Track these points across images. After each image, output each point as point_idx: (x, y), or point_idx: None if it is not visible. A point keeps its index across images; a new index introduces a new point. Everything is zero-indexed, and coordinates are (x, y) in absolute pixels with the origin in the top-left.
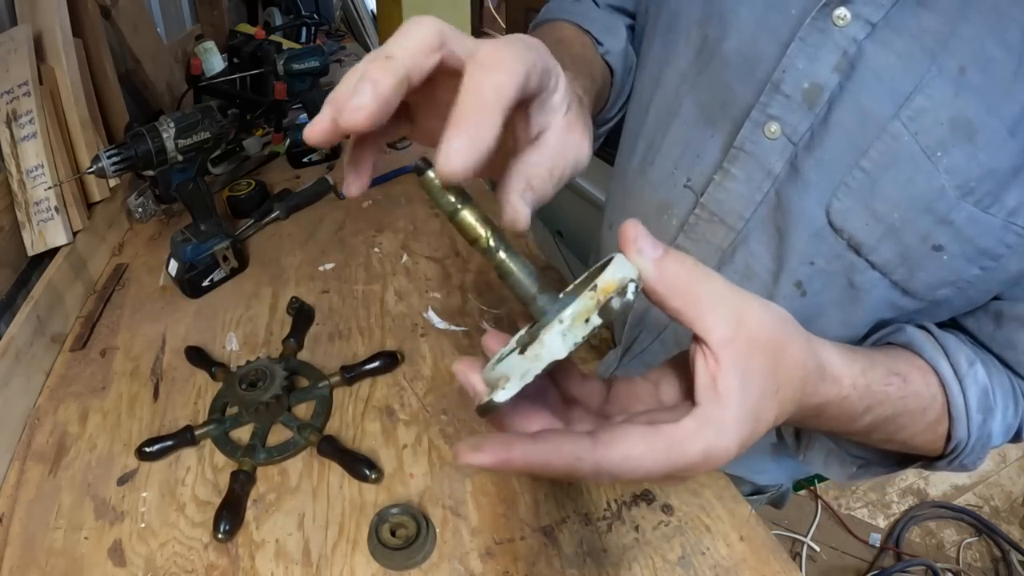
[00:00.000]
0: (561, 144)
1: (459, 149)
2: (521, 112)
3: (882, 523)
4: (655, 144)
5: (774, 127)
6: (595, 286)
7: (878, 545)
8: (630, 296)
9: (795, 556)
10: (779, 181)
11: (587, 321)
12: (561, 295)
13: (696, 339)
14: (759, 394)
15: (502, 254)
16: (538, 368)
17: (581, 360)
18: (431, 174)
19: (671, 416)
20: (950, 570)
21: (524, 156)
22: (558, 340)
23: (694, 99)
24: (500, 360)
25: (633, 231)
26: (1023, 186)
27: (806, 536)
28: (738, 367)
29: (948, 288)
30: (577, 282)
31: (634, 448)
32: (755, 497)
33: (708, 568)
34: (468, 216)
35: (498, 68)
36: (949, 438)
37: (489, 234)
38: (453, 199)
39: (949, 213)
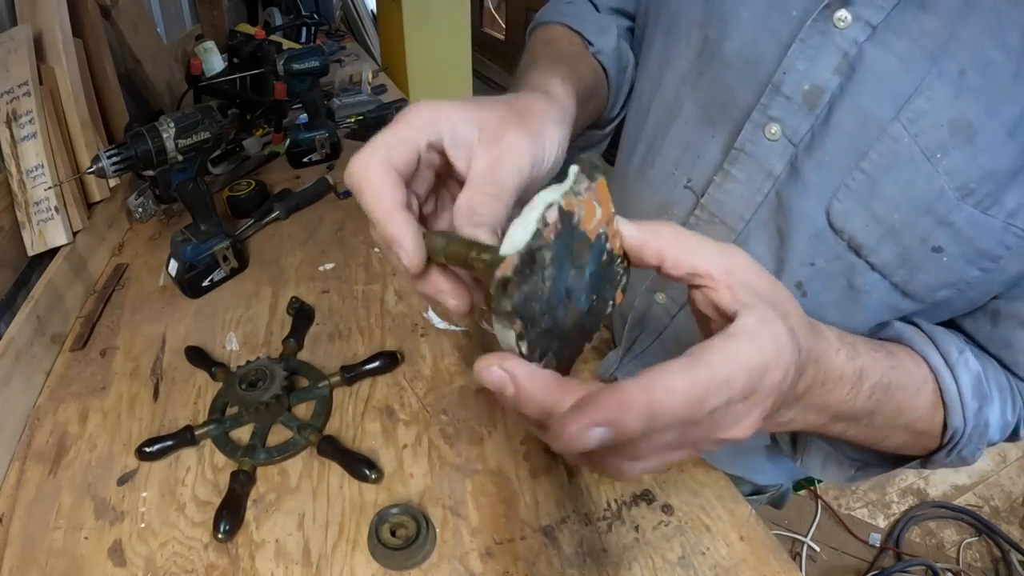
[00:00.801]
0: (487, 164)
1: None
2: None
3: (882, 523)
4: (655, 145)
5: (774, 128)
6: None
7: (878, 545)
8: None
9: (795, 556)
10: (779, 182)
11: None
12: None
13: (694, 286)
14: (776, 305)
15: (486, 254)
16: (539, 209)
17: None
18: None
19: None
20: (950, 570)
21: (460, 197)
22: (519, 229)
23: (695, 100)
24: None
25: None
26: (1022, 188)
27: (806, 536)
28: (748, 284)
29: (948, 290)
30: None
31: (728, 351)
32: (755, 497)
33: (708, 568)
34: (453, 244)
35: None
36: (945, 427)
37: (471, 249)
38: (438, 244)
39: (949, 214)
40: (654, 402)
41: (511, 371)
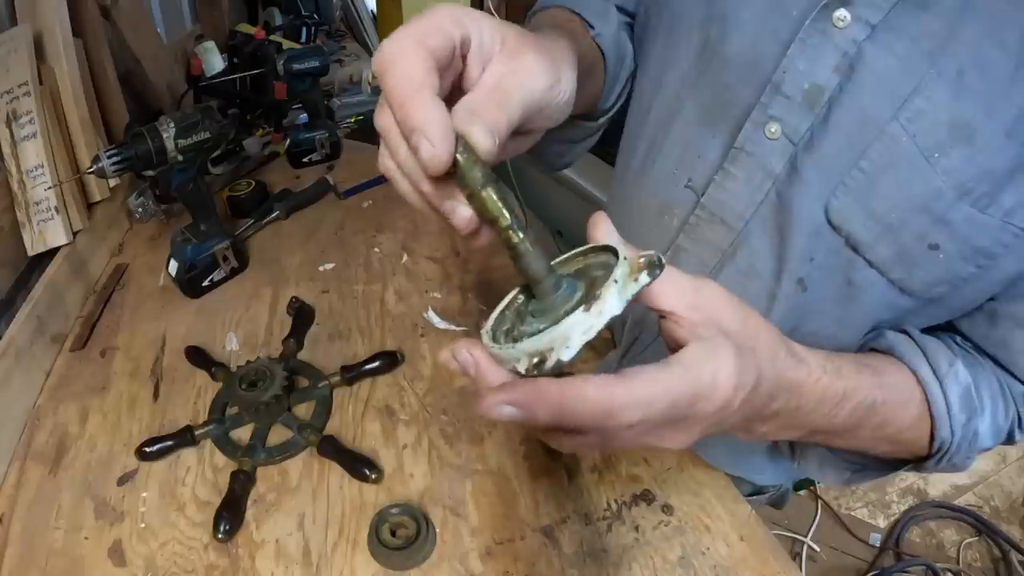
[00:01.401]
0: (501, 74)
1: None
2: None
3: (882, 523)
4: (656, 144)
5: (775, 127)
6: (625, 256)
7: (878, 545)
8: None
9: (795, 556)
10: (779, 181)
11: (636, 280)
12: (566, 273)
13: (661, 317)
14: (737, 336)
15: (518, 235)
16: (600, 324)
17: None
18: (461, 151)
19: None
20: (950, 570)
21: (464, 97)
22: (615, 298)
23: (695, 100)
24: (509, 337)
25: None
26: (1020, 187)
27: (806, 536)
28: (714, 319)
29: (944, 286)
30: (562, 258)
31: (658, 376)
32: (755, 497)
33: (708, 568)
34: (492, 194)
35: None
36: (933, 438)
37: (508, 213)
38: (480, 176)
39: (946, 213)
40: (564, 403)
41: (477, 357)
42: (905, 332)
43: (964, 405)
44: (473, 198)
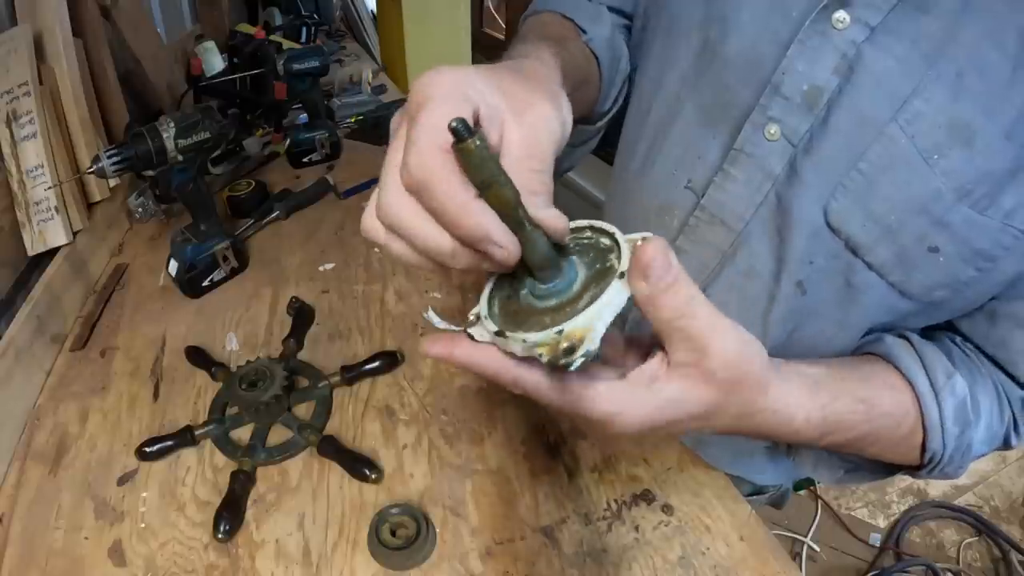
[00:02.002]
0: (522, 137)
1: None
2: None
3: (882, 523)
4: (656, 145)
5: (774, 129)
6: (562, 329)
7: (878, 545)
8: (587, 354)
9: (795, 556)
10: (779, 183)
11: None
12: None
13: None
14: (684, 413)
15: (530, 225)
16: (609, 316)
17: None
18: (477, 141)
19: (604, 373)
20: (950, 570)
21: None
22: (621, 288)
23: (695, 101)
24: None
25: (648, 256)
26: (1019, 188)
27: (806, 536)
28: (680, 387)
29: (945, 290)
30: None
31: (548, 380)
32: (755, 497)
33: (708, 568)
34: (507, 189)
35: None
36: (924, 450)
37: (520, 205)
38: (496, 168)
39: (945, 215)
40: (520, 376)
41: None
42: (904, 337)
43: (958, 418)
44: (489, 189)
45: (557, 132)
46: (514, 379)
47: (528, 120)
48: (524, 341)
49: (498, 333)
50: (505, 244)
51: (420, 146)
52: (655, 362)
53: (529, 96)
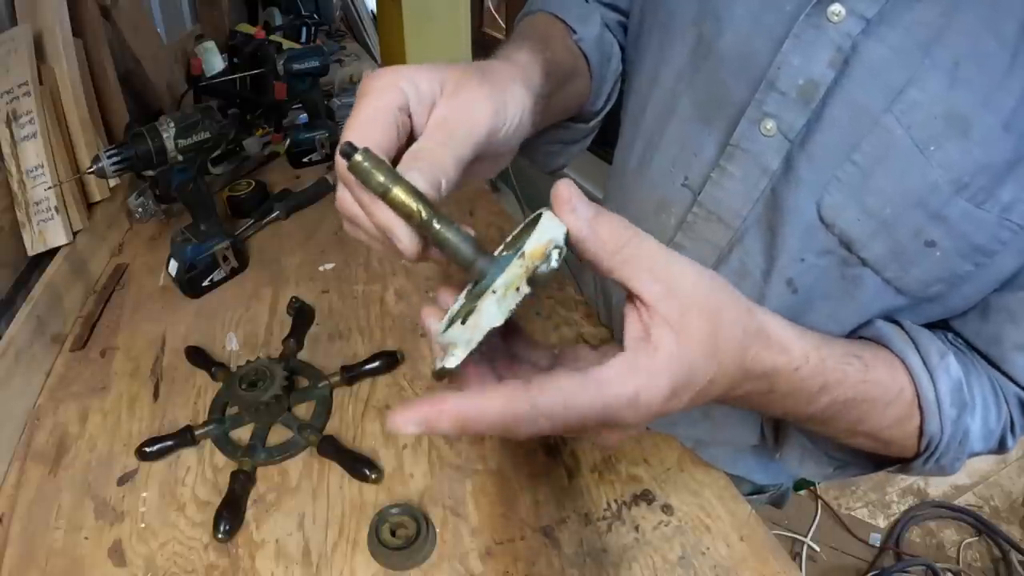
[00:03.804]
0: (443, 115)
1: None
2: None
3: (882, 523)
4: (653, 142)
5: (770, 124)
6: (523, 253)
7: (878, 545)
8: (554, 264)
9: (795, 556)
10: (775, 179)
11: (518, 290)
12: (497, 253)
13: (630, 296)
14: (695, 348)
15: (437, 224)
16: (479, 336)
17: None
18: (359, 157)
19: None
20: (950, 570)
21: (415, 143)
22: (494, 309)
23: (691, 97)
24: (450, 323)
25: (567, 191)
26: (1017, 182)
27: (806, 536)
28: (673, 321)
29: (941, 285)
30: (514, 233)
31: (565, 387)
32: (755, 497)
33: (708, 568)
34: (400, 194)
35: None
36: (922, 434)
37: (422, 207)
38: (383, 179)
39: (942, 208)
40: (535, 397)
41: (429, 413)
42: (897, 323)
43: (955, 399)
44: (384, 196)
45: (484, 114)
46: (531, 404)
47: (454, 102)
48: (494, 292)
49: (453, 320)
50: (402, 238)
51: (341, 144)
52: (633, 318)
53: (467, 83)
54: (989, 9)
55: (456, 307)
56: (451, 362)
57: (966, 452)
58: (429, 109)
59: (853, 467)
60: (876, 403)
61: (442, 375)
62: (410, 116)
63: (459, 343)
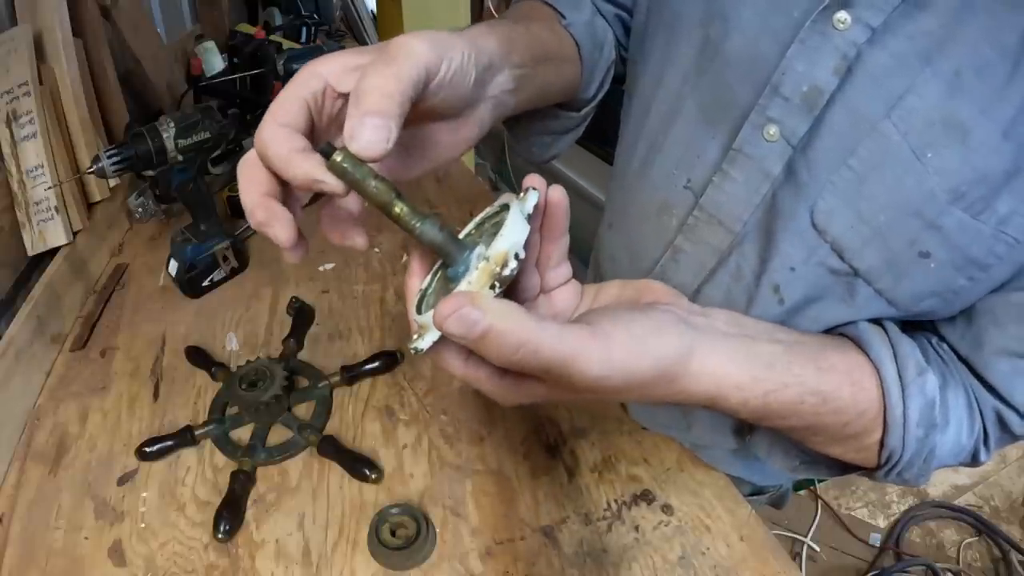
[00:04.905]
0: (380, 52)
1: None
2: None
3: (882, 523)
4: (656, 144)
5: (773, 129)
6: (487, 257)
7: (878, 545)
8: (513, 271)
9: (795, 556)
10: (776, 184)
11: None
12: (464, 234)
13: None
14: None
15: (413, 219)
16: (521, 234)
17: None
18: (337, 156)
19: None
20: (950, 570)
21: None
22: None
23: (695, 99)
24: (422, 299)
25: (449, 306)
26: (1014, 194)
27: (806, 536)
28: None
29: (933, 299)
30: (484, 215)
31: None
32: (755, 497)
33: (708, 568)
34: (376, 189)
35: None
36: (883, 447)
37: (396, 200)
38: (359, 176)
39: (938, 218)
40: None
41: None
42: (881, 326)
43: (923, 418)
44: (362, 192)
45: (420, 47)
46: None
47: (384, 54)
48: (469, 284)
49: (425, 297)
50: (326, 179)
51: (262, 126)
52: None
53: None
54: (991, 20)
55: (429, 283)
56: (423, 344)
57: (931, 468)
58: (358, 74)
59: (820, 466)
60: (828, 428)
61: (416, 353)
62: (335, 97)
63: (430, 327)
